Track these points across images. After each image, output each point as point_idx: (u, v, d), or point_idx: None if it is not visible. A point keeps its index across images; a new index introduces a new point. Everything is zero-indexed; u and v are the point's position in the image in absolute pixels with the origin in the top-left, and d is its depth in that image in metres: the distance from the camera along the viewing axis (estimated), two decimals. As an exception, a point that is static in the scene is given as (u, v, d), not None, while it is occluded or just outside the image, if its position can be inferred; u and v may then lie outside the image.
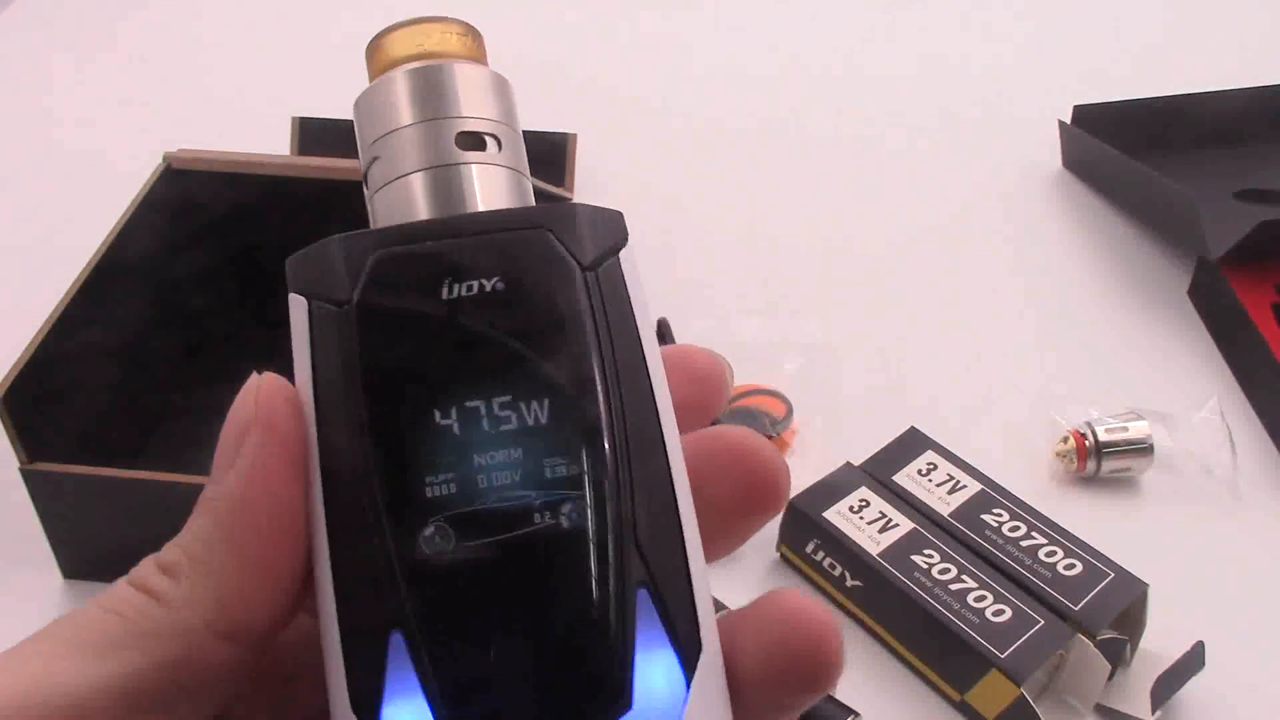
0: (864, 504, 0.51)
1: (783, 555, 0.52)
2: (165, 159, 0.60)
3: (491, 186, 0.18)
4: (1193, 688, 0.45)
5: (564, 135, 0.73)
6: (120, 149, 0.70)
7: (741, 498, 0.18)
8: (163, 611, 0.17)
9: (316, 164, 0.60)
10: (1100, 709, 0.45)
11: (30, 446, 0.49)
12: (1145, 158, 0.70)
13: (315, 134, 0.73)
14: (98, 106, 0.86)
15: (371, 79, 0.19)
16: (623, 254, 0.18)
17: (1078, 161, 0.78)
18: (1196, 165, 0.73)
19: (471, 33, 0.19)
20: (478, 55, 0.19)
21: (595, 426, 0.16)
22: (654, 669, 0.16)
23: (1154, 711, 0.44)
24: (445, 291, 0.17)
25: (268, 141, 0.71)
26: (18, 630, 0.20)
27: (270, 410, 0.17)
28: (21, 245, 0.72)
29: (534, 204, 0.19)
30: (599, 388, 0.17)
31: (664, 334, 0.61)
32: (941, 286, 0.69)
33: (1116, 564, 0.48)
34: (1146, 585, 0.47)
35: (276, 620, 0.18)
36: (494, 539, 0.16)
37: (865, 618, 0.49)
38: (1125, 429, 0.55)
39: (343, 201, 0.57)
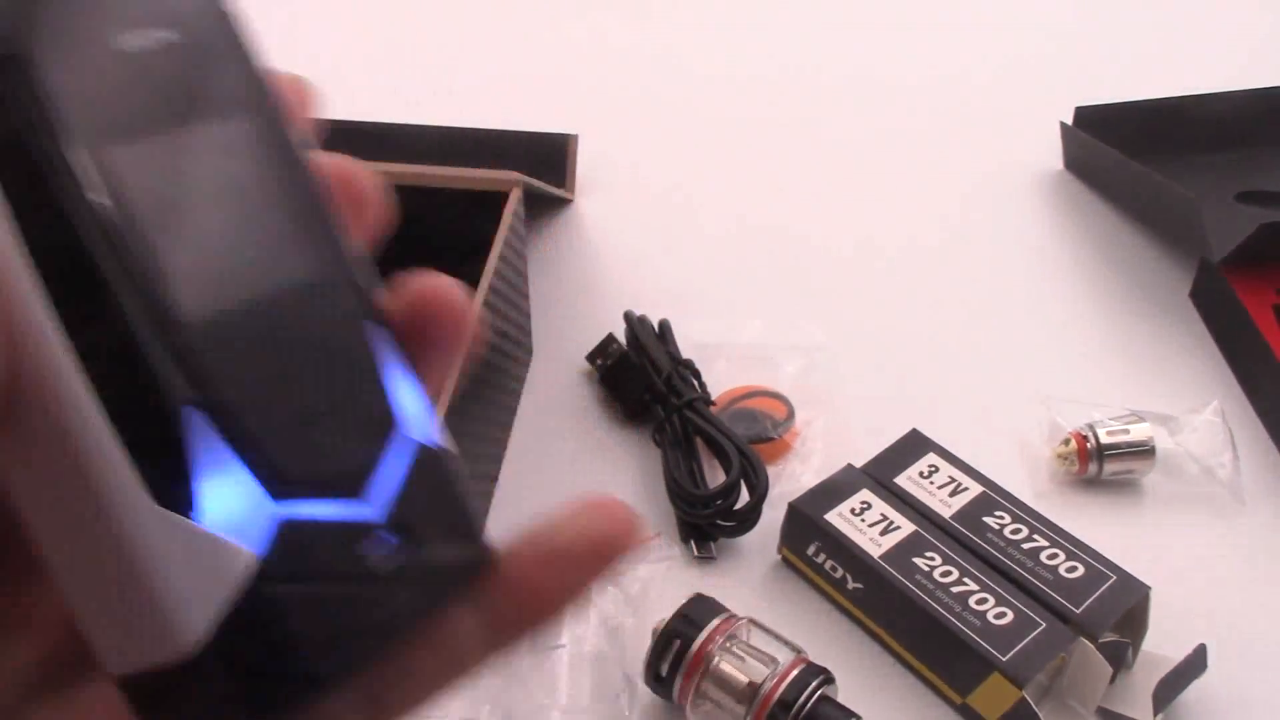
0: (865, 506, 0.50)
1: (784, 557, 0.52)
2: (166, 160, 0.60)
3: None
4: (1195, 691, 0.45)
5: (564, 135, 0.73)
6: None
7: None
8: None
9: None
10: (1102, 712, 0.45)
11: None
12: (1147, 159, 0.70)
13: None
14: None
15: None
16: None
17: (1079, 163, 0.78)
18: (1198, 167, 0.73)
19: None
20: None
21: (278, 174, 0.17)
22: (401, 390, 0.17)
23: (1156, 714, 0.44)
24: (121, 42, 0.15)
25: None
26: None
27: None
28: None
29: None
30: (257, 137, 0.17)
31: (664, 335, 0.61)
32: (943, 288, 0.69)
33: (1118, 566, 0.48)
34: (1148, 588, 0.47)
35: None
36: (238, 295, 0.16)
37: (866, 620, 0.49)
38: (1127, 431, 0.55)
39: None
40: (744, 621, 0.45)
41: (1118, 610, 0.46)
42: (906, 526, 0.49)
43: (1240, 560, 0.52)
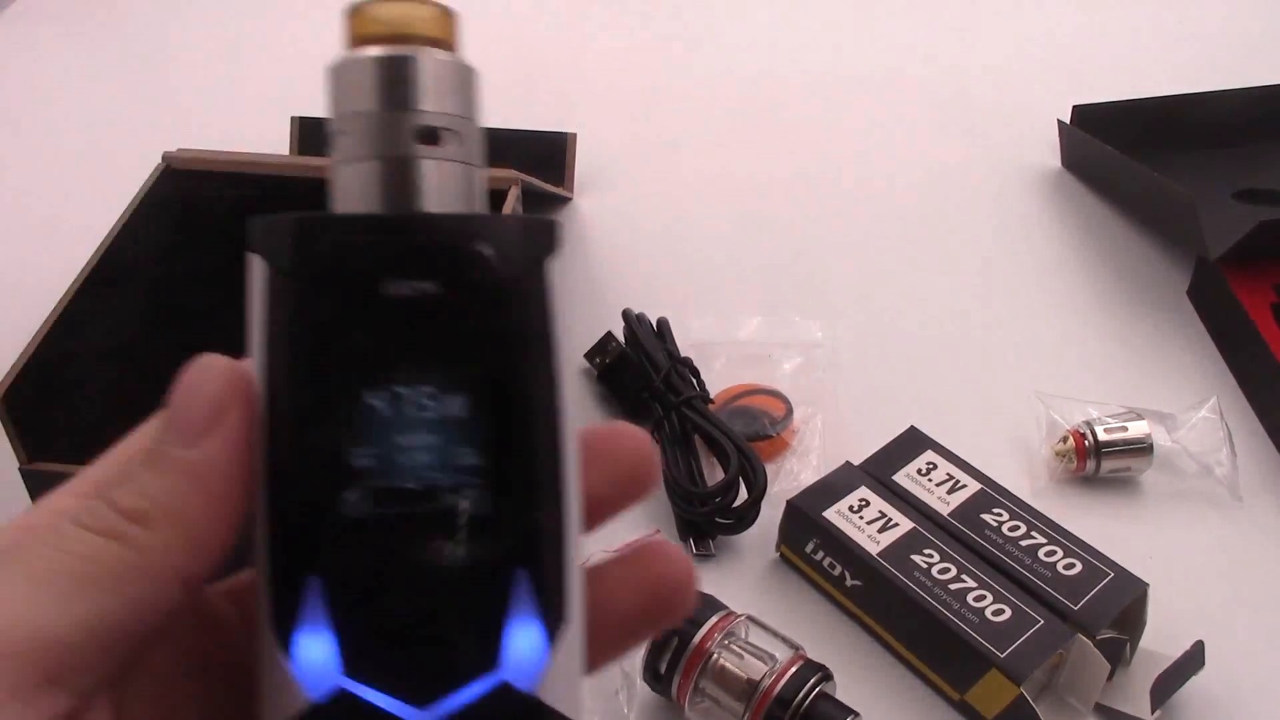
0: (864, 503, 0.51)
1: (782, 555, 0.52)
2: (165, 159, 0.60)
3: (442, 183, 0.20)
4: (1193, 687, 0.45)
5: (564, 135, 0.74)
6: (120, 149, 0.70)
7: (618, 490, 0.21)
8: (134, 555, 0.18)
9: (316, 164, 0.60)
10: (1100, 708, 0.45)
11: (30, 446, 0.49)
12: (1145, 158, 0.70)
13: (315, 134, 0.73)
14: (99, 106, 0.86)
15: (347, 44, 0.20)
16: (552, 263, 0.20)
17: (1077, 161, 0.78)
18: (1196, 165, 0.73)
19: (447, 15, 0.20)
20: (450, 38, 0.20)
21: (503, 424, 0.19)
22: (521, 638, 0.19)
23: (1154, 711, 0.44)
24: (385, 286, 0.19)
25: (268, 141, 0.71)
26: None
27: (246, 393, 0.19)
28: (22, 245, 0.72)
29: (481, 197, 0.21)
30: (509, 389, 0.19)
31: (662, 333, 0.61)
32: (941, 286, 0.69)
33: (1116, 563, 0.48)
34: (1146, 585, 0.47)
35: (219, 569, 0.20)
36: (404, 510, 0.18)
37: (865, 617, 0.49)
38: (1125, 429, 0.55)
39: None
40: (742, 619, 0.45)
41: (1115, 607, 0.46)
42: (904, 524, 0.49)
43: (1238, 557, 0.52)
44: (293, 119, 0.73)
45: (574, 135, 0.74)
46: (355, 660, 0.18)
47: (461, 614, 0.18)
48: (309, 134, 0.73)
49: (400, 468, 0.18)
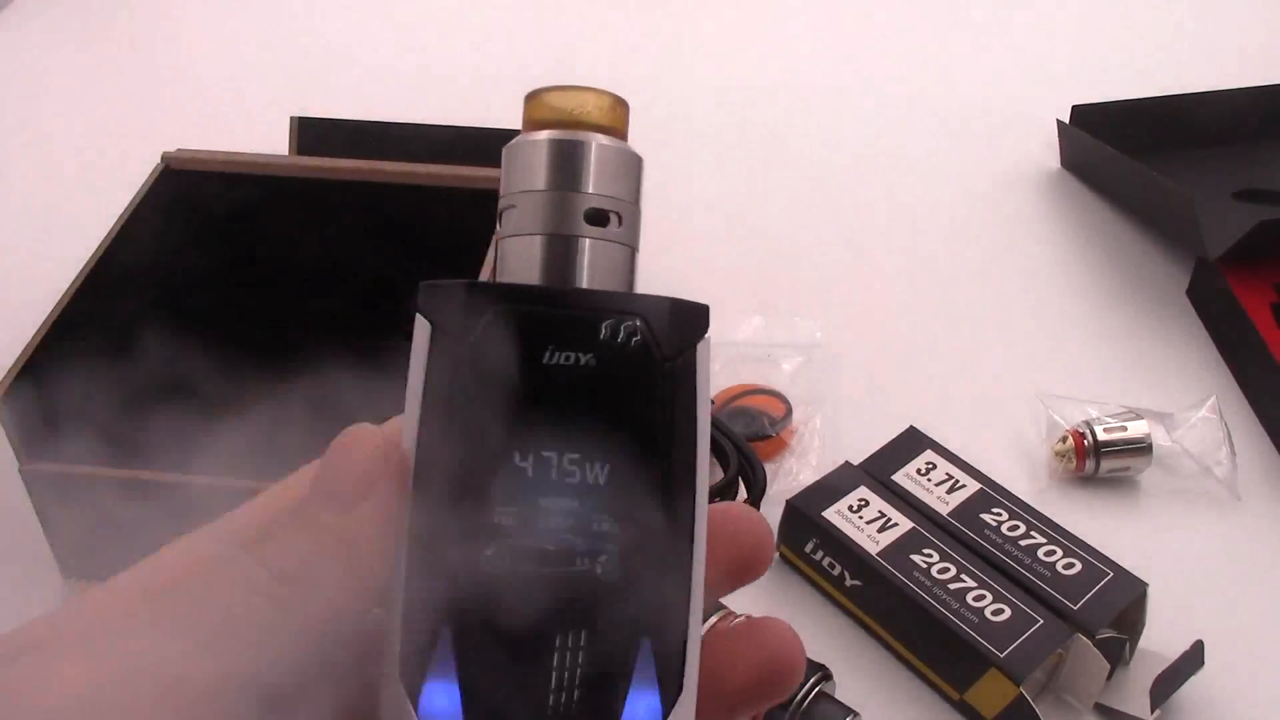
0: (863, 503, 0.51)
1: (782, 555, 0.52)
2: (165, 159, 0.60)
3: (603, 262, 0.21)
4: (1192, 687, 0.45)
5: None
6: (120, 149, 0.70)
7: (734, 571, 0.22)
8: (282, 616, 0.19)
9: (316, 164, 0.60)
10: (1099, 708, 0.45)
11: (30, 446, 0.49)
12: (1144, 158, 0.70)
13: (315, 134, 0.73)
14: (98, 106, 0.86)
15: (524, 128, 0.22)
16: (700, 344, 0.21)
17: (1076, 161, 0.78)
18: (1195, 165, 0.73)
19: (620, 105, 0.22)
20: (620, 126, 0.22)
21: (642, 497, 0.20)
22: (639, 705, 0.19)
23: (1153, 710, 0.44)
24: (546, 356, 0.20)
25: (267, 141, 0.71)
26: (18, 629, 0.20)
27: (397, 465, 0.20)
28: (21, 245, 0.72)
29: (635, 278, 0.22)
30: (651, 465, 0.20)
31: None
32: (940, 286, 0.69)
33: (1115, 563, 0.48)
34: (1145, 584, 0.47)
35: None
36: (539, 570, 0.19)
37: (864, 617, 0.49)
38: (1124, 428, 0.55)
39: (342, 201, 0.57)
40: (741, 618, 0.45)
41: (1115, 607, 0.46)
42: (904, 524, 0.49)
43: (1237, 556, 0.52)
44: (292, 119, 0.73)
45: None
46: (479, 715, 0.19)
47: (585, 679, 0.19)
48: (308, 134, 0.73)
49: (540, 529, 0.19)
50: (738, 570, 0.22)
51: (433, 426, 0.20)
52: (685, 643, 0.20)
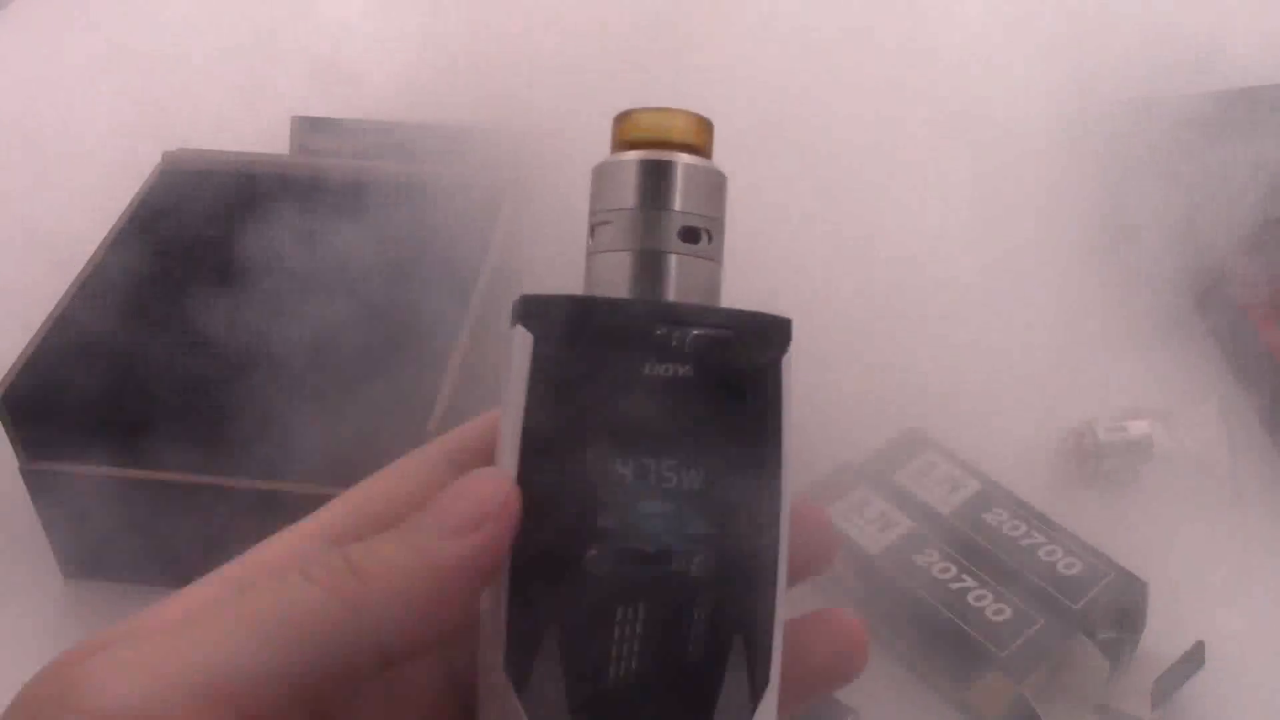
0: (864, 503, 0.51)
1: (782, 555, 0.52)
2: (165, 159, 0.60)
3: (693, 277, 0.22)
4: (1192, 687, 0.45)
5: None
6: (120, 149, 0.70)
7: (806, 564, 0.23)
8: (347, 613, 0.19)
9: (316, 164, 0.60)
10: (1100, 708, 0.45)
11: (30, 446, 0.49)
12: (1140, 157, 0.70)
13: (314, 134, 0.73)
14: (98, 105, 0.86)
15: (613, 148, 0.23)
16: (787, 358, 0.22)
17: (1075, 161, 0.78)
18: (1198, 164, 0.73)
19: (704, 124, 0.23)
20: (705, 146, 0.23)
21: (733, 500, 0.21)
22: (732, 696, 0.20)
23: (1154, 710, 0.44)
24: (646, 368, 0.21)
25: (268, 141, 0.71)
26: (18, 629, 0.20)
27: (513, 510, 0.20)
28: (21, 245, 0.72)
29: (721, 291, 0.23)
30: (742, 471, 0.21)
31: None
32: (941, 285, 0.69)
33: (1116, 563, 0.48)
34: (1146, 584, 0.47)
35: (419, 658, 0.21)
36: (639, 569, 0.20)
37: (865, 617, 0.49)
38: (1125, 428, 0.55)
39: (341, 201, 0.57)
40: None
41: (1115, 606, 0.46)
42: (905, 524, 0.49)
43: (1238, 556, 0.52)
44: (293, 119, 0.73)
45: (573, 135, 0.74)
46: (582, 704, 0.20)
47: (681, 672, 0.20)
48: (308, 134, 0.73)
49: (640, 531, 0.20)
50: (808, 563, 0.23)
51: (538, 435, 0.21)
52: (773, 637, 0.21)
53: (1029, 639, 0.44)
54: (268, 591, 0.19)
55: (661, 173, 0.22)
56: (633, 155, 0.22)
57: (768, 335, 0.22)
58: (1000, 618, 0.45)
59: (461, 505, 0.20)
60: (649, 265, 0.22)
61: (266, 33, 0.94)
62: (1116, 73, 0.85)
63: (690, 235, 0.22)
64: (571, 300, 0.21)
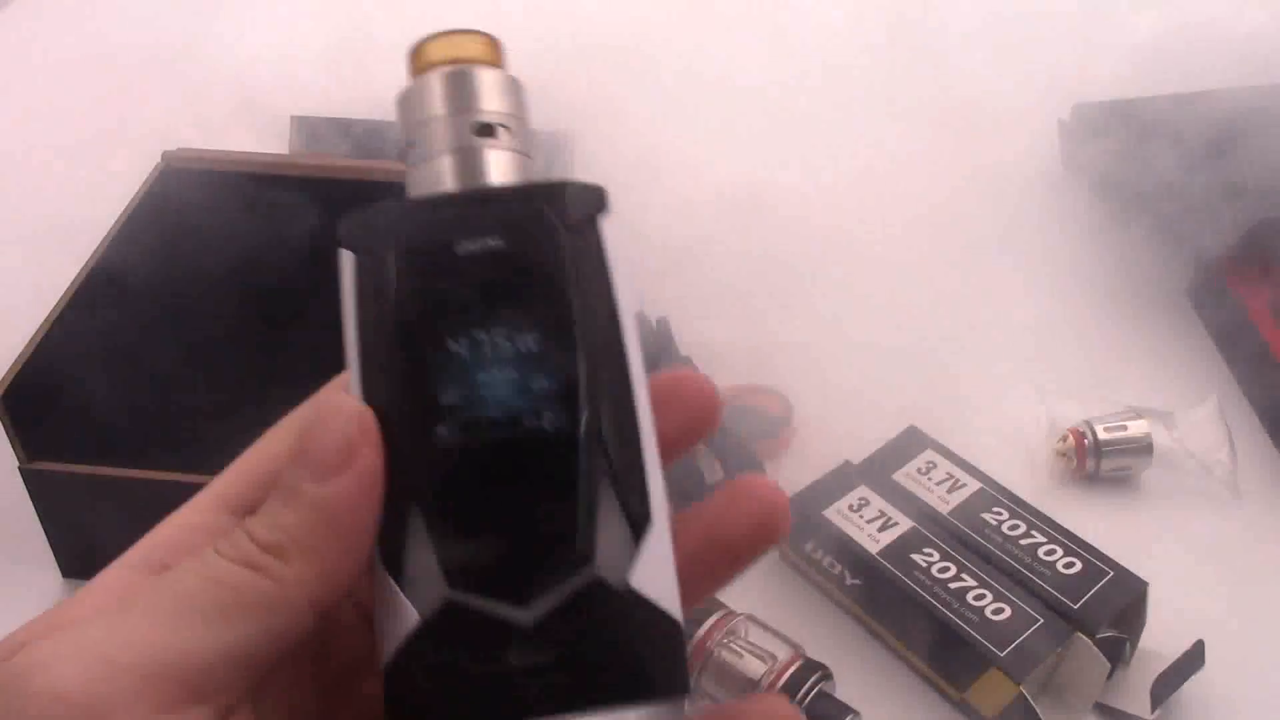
0: (863, 503, 0.51)
1: (782, 554, 0.52)
2: (165, 159, 0.61)
3: (500, 166, 0.23)
4: (1192, 686, 0.45)
5: (564, 134, 0.74)
6: (120, 149, 0.70)
7: (688, 426, 0.23)
8: (273, 586, 0.20)
9: (316, 163, 0.60)
10: (1100, 707, 0.45)
11: (30, 446, 0.49)
12: (1145, 158, 0.70)
13: (314, 134, 0.73)
14: (98, 106, 0.86)
15: (412, 77, 0.24)
16: (606, 221, 0.22)
17: (1078, 162, 0.78)
18: (1196, 165, 0.73)
19: (493, 42, 0.24)
20: (497, 60, 0.24)
21: (572, 354, 0.21)
22: (608, 537, 0.20)
23: (1154, 710, 0.44)
24: (458, 248, 0.21)
25: (268, 141, 0.71)
26: (17, 629, 0.20)
27: (375, 433, 0.21)
28: (21, 245, 0.72)
29: (532, 178, 0.23)
30: (574, 324, 0.21)
31: (663, 333, 0.61)
32: (941, 285, 0.69)
33: (1116, 562, 0.48)
34: (1146, 584, 0.47)
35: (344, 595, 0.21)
36: (490, 433, 0.20)
37: (865, 617, 0.49)
38: (1124, 428, 0.55)
39: (342, 200, 0.57)
40: (742, 618, 0.45)
41: (1115, 606, 0.46)
42: (904, 523, 0.49)
43: (1238, 556, 0.52)
44: (293, 119, 0.73)
45: (574, 135, 0.74)
46: (458, 574, 0.20)
47: (551, 521, 0.20)
48: (308, 134, 0.73)
49: (484, 401, 0.21)
50: (691, 425, 0.23)
51: (372, 337, 0.21)
52: (644, 475, 0.21)
53: (1029, 638, 0.44)
54: (191, 572, 0.20)
55: (459, 81, 0.23)
56: (431, 74, 0.23)
57: (578, 198, 0.22)
58: (1000, 617, 0.45)
59: (326, 441, 0.20)
60: (456, 162, 0.23)
61: (267, 32, 0.94)
62: (1109, 70, 0.85)
63: (489, 131, 0.23)
64: (377, 208, 0.22)
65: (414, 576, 0.20)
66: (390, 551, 0.20)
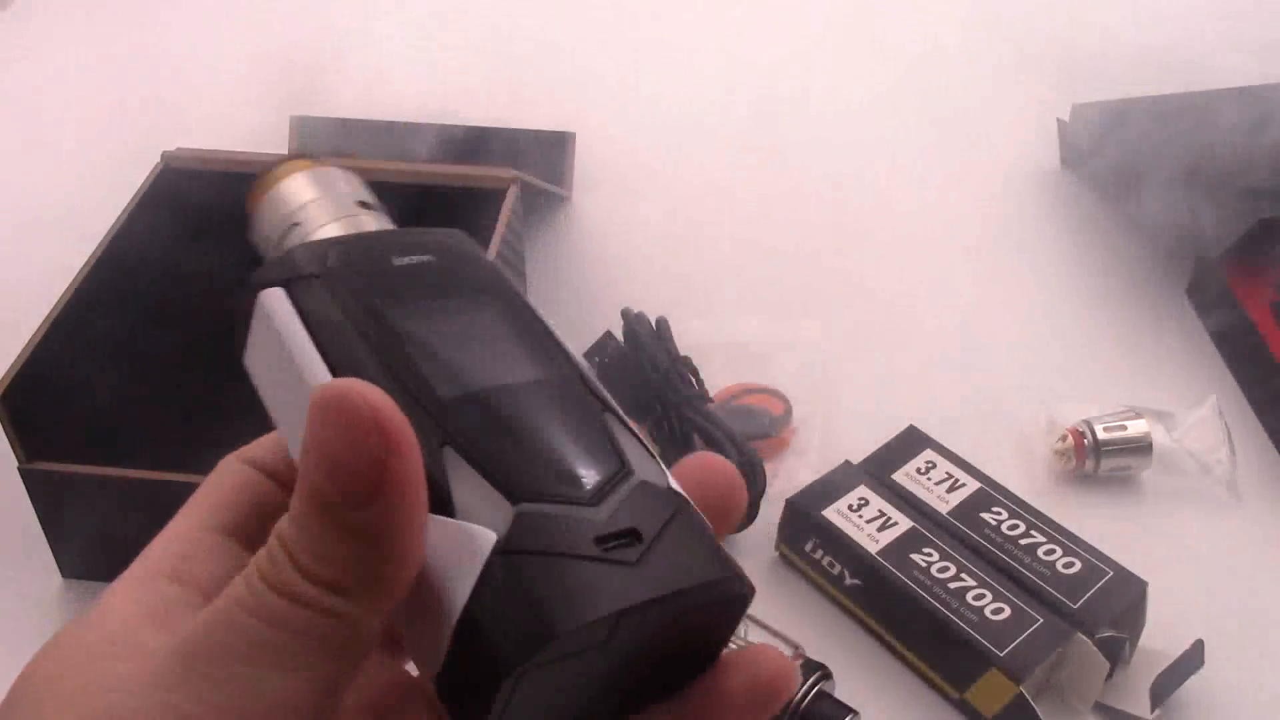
0: (863, 502, 0.51)
1: (781, 554, 0.52)
2: (164, 159, 0.61)
3: (372, 226, 0.27)
4: (1192, 685, 0.45)
5: (564, 134, 0.74)
6: (120, 149, 0.70)
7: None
8: (342, 625, 0.19)
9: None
10: (1099, 707, 0.45)
11: (30, 446, 0.49)
12: (1143, 156, 0.70)
13: (314, 134, 0.73)
14: (97, 105, 0.86)
15: (267, 195, 0.28)
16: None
17: (1077, 161, 0.78)
18: (1195, 164, 0.73)
19: (309, 156, 0.29)
20: (324, 164, 0.29)
21: (520, 330, 0.24)
22: (638, 454, 0.23)
23: (1153, 709, 0.44)
24: (395, 261, 0.25)
25: (267, 141, 0.71)
26: (18, 629, 0.20)
27: (396, 431, 0.19)
28: (21, 245, 0.72)
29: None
30: (508, 307, 0.25)
31: (662, 333, 0.61)
32: (940, 285, 0.69)
33: (1115, 562, 0.48)
34: (1145, 583, 0.47)
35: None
36: (492, 382, 0.23)
37: (864, 616, 0.49)
38: (1124, 427, 0.55)
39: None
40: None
41: (1115, 606, 0.46)
42: (904, 523, 0.49)
43: (1237, 555, 0.52)
44: (292, 119, 0.73)
45: (573, 134, 0.74)
46: (520, 491, 0.21)
47: (580, 440, 0.22)
48: (308, 133, 0.73)
49: (474, 361, 0.23)
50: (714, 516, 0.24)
51: (346, 352, 0.23)
52: (606, 426, 0.23)
53: (1028, 638, 0.44)
54: (251, 618, 0.19)
55: (320, 174, 0.28)
56: (292, 177, 0.28)
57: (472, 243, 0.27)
58: (1000, 617, 0.45)
59: (353, 464, 0.19)
60: (348, 226, 0.27)
61: (267, 32, 0.94)
62: (1107, 70, 0.85)
63: (365, 206, 0.28)
64: (287, 256, 0.25)
65: (472, 506, 0.21)
66: (437, 499, 0.21)
